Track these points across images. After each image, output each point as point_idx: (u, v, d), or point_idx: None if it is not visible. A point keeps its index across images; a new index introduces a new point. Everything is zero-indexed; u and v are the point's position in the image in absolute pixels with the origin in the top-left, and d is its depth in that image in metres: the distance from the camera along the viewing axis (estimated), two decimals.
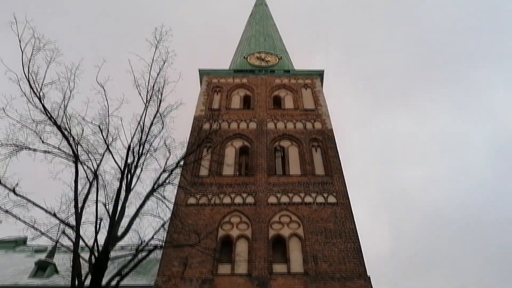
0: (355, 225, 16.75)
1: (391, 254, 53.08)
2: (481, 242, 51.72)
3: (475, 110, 63.01)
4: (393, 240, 56.04)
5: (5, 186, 7.25)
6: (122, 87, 9.90)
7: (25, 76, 8.35)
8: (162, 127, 9.38)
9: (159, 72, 9.56)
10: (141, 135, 8.99)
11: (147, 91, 9.45)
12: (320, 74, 27.02)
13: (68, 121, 8.43)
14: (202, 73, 27.03)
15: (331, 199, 17.96)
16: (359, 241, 16.11)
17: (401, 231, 56.97)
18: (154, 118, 9.25)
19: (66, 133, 8.32)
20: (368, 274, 14.87)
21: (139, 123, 9.07)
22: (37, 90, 8.28)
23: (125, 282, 11.48)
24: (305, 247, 16.02)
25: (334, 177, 19.01)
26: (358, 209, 17.50)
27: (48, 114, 8.23)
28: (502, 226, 51.39)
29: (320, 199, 17.96)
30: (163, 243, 8.78)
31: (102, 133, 8.62)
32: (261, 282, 14.77)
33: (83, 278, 6.65)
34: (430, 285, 49.14)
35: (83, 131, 8.62)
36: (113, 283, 6.83)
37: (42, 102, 8.30)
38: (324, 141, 21.19)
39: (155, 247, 7.75)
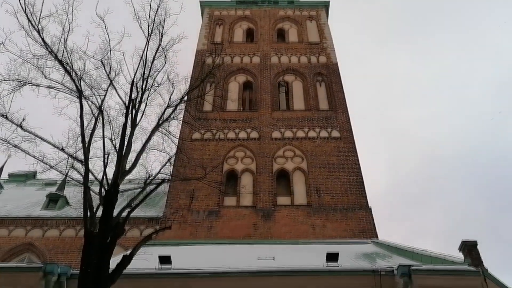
0: (358, 159, 17.00)
1: (388, 189, 54.39)
2: (475, 177, 52.80)
3: (478, 49, 61.32)
4: (390, 176, 57.18)
5: (12, 121, 7.29)
6: (123, 20, 9.60)
7: (22, 8, 8.10)
8: (165, 62, 9.22)
9: (160, 3, 9.22)
10: (144, 69, 8.87)
11: (148, 24, 9.18)
12: (325, 5, 26.04)
13: (69, 56, 8.29)
14: (204, 4, 26.10)
15: (335, 134, 18.07)
16: (361, 174, 16.44)
17: (398, 167, 57.95)
18: (156, 52, 9.06)
19: (68, 68, 8.21)
20: (369, 206, 15.34)
21: (141, 57, 8.90)
22: (35, 23, 8.07)
23: (135, 213, 11.89)
24: (309, 180, 16.38)
25: (338, 111, 18.99)
26: (357, 145, 17.59)
27: (48, 48, 8.08)
28: (496, 162, 52.15)
29: (323, 134, 18.08)
30: (170, 177, 8.98)
31: (104, 68, 8.50)
32: (265, 213, 15.29)
33: (94, 210, 6.87)
34: (425, 217, 50.85)
35: (85, 65, 8.50)
36: (124, 214, 7.05)
37: (41, 35, 8.11)
38: (329, 75, 20.90)
39: (163, 180, 7.92)
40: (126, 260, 6.21)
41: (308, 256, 10.56)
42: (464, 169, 54.68)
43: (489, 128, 55.10)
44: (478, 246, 7.73)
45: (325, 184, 16.14)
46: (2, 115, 7.27)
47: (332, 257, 8.81)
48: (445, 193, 52.05)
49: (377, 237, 14.15)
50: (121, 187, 7.61)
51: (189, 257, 10.42)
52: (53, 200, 18.32)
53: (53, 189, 19.36)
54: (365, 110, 56.94)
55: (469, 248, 7.69)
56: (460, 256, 7.87)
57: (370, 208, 15.25)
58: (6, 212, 17.56)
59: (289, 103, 19.94)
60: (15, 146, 7.30)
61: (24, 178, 22.67)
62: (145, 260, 8.14)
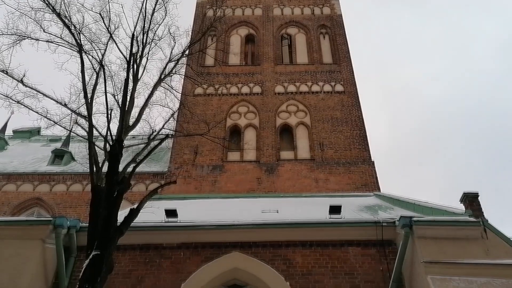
0: (361, 113, 16.95)
1: (389, 145, 54.56)
2: (476, 134, 52.80)
3: (482, 7, 59.32)
4: (392, 132, 57.19)
5: (12, 77, 7.23)
6: None
7: None
8: (165, 14, 8.99)
9: None
10: (144, 23, 8.67)
11: None
12: None
13: (67, 8, 8.09)
14: None
15: (338, 88, 17.91)
16: (364, 128, 16.44)
17: (400, 124, 57.85)
18: (156, 4, 8.83)
19: (66, 21, 8.04)
20: (372, 160, 15.45)
21: (141, 9, 8.68)
22: None
23: (140, 169, 12.02)
24: (312, 134, 16.41)
25: (342, 65, 18.72)
26: (360, 100, 17.47)
27: (46, 1, 7.88)
28: (496, 119, 51.98)
29: (327, 88, 17.92)
30: (174, 132, 9.01)
31: (103, 21, 8.31)
32: (269, 168, 15.44)
33: (100, 165, 6.95)
34: (426, 173, 51.31)
35: (84, 19, 8.31)
36: (129, 169, 7.13)
37: None
38: (333, 27, 20.43)
39: (166, 136, 7.95)
40: (134, 213, 6.36)
41: (311, 209, 10.76)
42: (465, 126, 54.63)
43: (491, 86, 54.52)
44: (479, 198, 7.85)
45: (328, 138, 16.18)
46: (2, 71, 7.21)
47: (335, 209, 8.97)
48: (447, 149, 52.28)
49: (379, 190, 14.35)
50: (126, 142, 7.65)
51: (195, 211, 10.64)
52: (59, 156, 18.52)
53: (58, 145, 19.53)
54: (368, 67, 56.18)
55: (470, 200, 7.80)
56: (461, 207, 8.00)
57: (373, 162, 15.37)
58: (13, 168, 17.82)
59: (292, 56, 19.63)
60: (18, 102, 7.29)
61: (29, 134, 22.81)
62: (152, 213, 8.33)
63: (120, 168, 6.95)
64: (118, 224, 6.25)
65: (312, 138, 16.27)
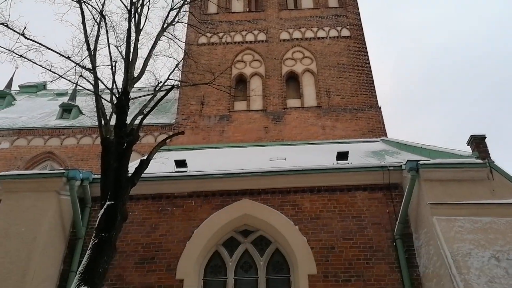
0: (368, 58, 16.65)
1: (394, 91, 53.87)
2: (478, 80, 51.79)
3: None
4: (396, 78, 56.26)
5: (13, 30, 7.13)
6: None
7: None
8: None
9: None
10: None
11: None
12: None
13: None
14: None
15: (345, 32, 17.50)
16: (371, 73, 16.22)
17: (405, 70, 56.75)
18: None
19: None
20: (379, 105, 15.36)
21: None
22: None
23: (148, 121, 12.10)
24: (318, 82, 16.25)
25: (348, 8, 18.18)
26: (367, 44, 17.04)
27: None
28: (500, 64, 50.75)
29: (333, 33, 17.52)
30: (179, 83, 8.98)
31: None
32: (276, 116, 15.45)
33: (108, 117, 7.00)
34: (432, 119, 50.98)
35: None
36: (137, 121, 7.18)
37: None
38: None
39: (172, 86, 7.92)
40: (144, 163, 6.47)
41: (318, 155, 10.88)
42: (470, 72, 53.51)
43: (499, 30, 52.78)
44: (486, 140, 7.86)
45: (335, 85, 16.03)
46: (3, 24, 7.10)
47: (342, 155, 9.07)
48: (452, 95, 51.59)
49: (386, 135, 14.38)
50: (132, 94, 7.66)
51: (204, 161, 10.81)
52: (67, 110, 18.63)
53: (65, 99, 19.60)
54: (371, 11, 54.37)
55: (477, 142, 7.82)
56: (468, 150, 8.05)
57: (380, 108, 15.29)
58: (22, 123, 18.01)
59: (297, 1, 19.04)
60: (21, 56, 7.24)
61: (35, 89, 22.83)
62: (162, 163, 8.50)
63: (128, 120, 7.01)
64: (129, 175, 6.39)
65: (319, 85, 16.13)
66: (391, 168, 8.18)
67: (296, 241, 7.76)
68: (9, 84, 22.31)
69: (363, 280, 7.35)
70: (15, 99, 21.48)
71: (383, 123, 14.85)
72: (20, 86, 23.19)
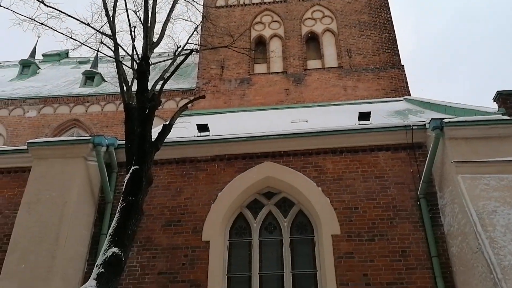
0: (390, 15, 16.11)
1: (415, 50, 52.14)
2: (505, 37, 49.44)
3: None
4: (418, 36, 54.27)
5: None
6: None
7: None
8: None
9: None
10: None
11: None
12: None
13: None
14: None
15: None
16: (394, 31, 15.73)
17: (426, 28, 54.58)
18: None
19: None
20: (402, 63, 14.98)
21: None
22: None
23: (169, 86, 12.14)
24: (339, 41, 15.89)
25: None
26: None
27: None
28: None
29: None
30: (199, 46, 8.91)
31: None
32: (296, 78, 15.28)
33: (129, 83, 7.05)
34: (453, 79, 49.40)
35: None
36: (158, 87, 7.21)
37: None
38: None
39: (191, 50, 7.87)
40: (167, 128, 6.53)
41: (340, 116, 10.79)
42: (497, 29, 51.11)
43: None
44: None
45: (356, 44, 15.64)
46: None
47: (364, 116, 8.96)
48: (478, 53, 49.66)
49: (409, 95, 14.08)
50: (152, 60, 7.65)
51: (225, 124, 10.87)
52: (89, 77, 18.88)
53: (87, 67, 19.82)
54: None
55: (504, 98, 7.56)
56: (494, 107, 7.82)
57: (403, 66, 14.91)
58: (47, 91, 18.37)
59: None
60: (42, 23, 7.28)
61: (58, 57, 23.11)
62: (184, 128, 8.57)
63: (149, 86, 7.04)
64: (153, 140, 6.48)
65: (339, 45, 15.77)
66: (414, 127, 8.05)
67: (319, 202, 7.82)
68: (33, 53, 22.59)
69: (386, 239, 7.41)
70: (39, 68, 21.81)
71: (406, 82, 14.51)
72: (43, 55, 23.50)
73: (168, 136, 6.70)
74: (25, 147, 8.43)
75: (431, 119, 7.56)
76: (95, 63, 19.42)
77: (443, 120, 7.33)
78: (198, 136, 8.93)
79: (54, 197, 7.69)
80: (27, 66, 21.43)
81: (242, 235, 8.06)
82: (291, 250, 7.80)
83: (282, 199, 8.26)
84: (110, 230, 5.45)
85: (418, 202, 7.59)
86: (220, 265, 7.58)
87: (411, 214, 7.56)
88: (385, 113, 10.64)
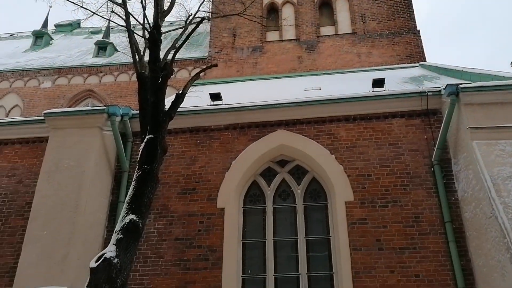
0: None
1: (430, 16, 50.56)
2: None
3: None
4: (433, 1, 52.52)
5: None
6: None
7: None
8: None
9: None
10: None
11: None
12: None
13: None
14: None
15: None
16: None
17: None
18: None
19: None
20: (417, 28, 14.62)
21: None
22: None
23: (181, 55, 12.11)
24: (353, 6, 15.53)
25: None
26: None
27: None
28: None
29: None
30: (210, 14, 8.81)
31: None
32: (309, 45, 15.07)
33: (142, 53, 7.04)
34: (469, 45, 47.98)
35: None
36: (170, 56, 7.19)
37: None
38: None
39: (203, 18, 7.79)
40: (179, 97, 6.54)
41: (354, 84, 10.68)
42: None
43: None
44: None
45: (371, 9, 15.26)
46: None
47: (378, 82, 8.85)
48: (494, 18, 48.01)
49: (425, 61, 13.81)
50: (164, 29, 7.60)
51: (238, 93, 10.85)
52: (102, 47, 18.90)
53: (99, 37, 19.79)
54: None
55: None
56: (511, 72, 7.67)
57: (418, 31, 14.56)
58: (61, 62, 18.48)
59: None
60: None
61: (70, 27, 23.09)
62: (198, 97, 8.58)
63: (162, 55, 7.02)
64: (166, 109, 6.52)
65: (353, 10, 15.41)
66: (429, 93, 7.94)
67: (333, 169, 7.86)
68: (45, 24, 22.58)
69: (400, 205, 7.46)
70: (52, 39, 21.86)
71: (422, 48, 14.20)
72: (55, 25, 23.49)
73: (181, 105, 6.73)
74: (42, 118, 8.58)
75: (447, 84, 7.44)
76: (107, 33, 19.37)
77: (459, 86, 7.21)
78: (211, 105, 8.96)
79: (72, 166, 7.86)
80: (40, 37, 21.48)
81: (256, 202, 8.18)
82: (305, 216, 7.92)
83: (296, 167, 8.32)
84: (127, 198, 5.58)
85: (432, 169, 7.58)
86: (235, 231, 7.74)
87: (425, 180, 7.57)
88: (399, 79, 10.49)
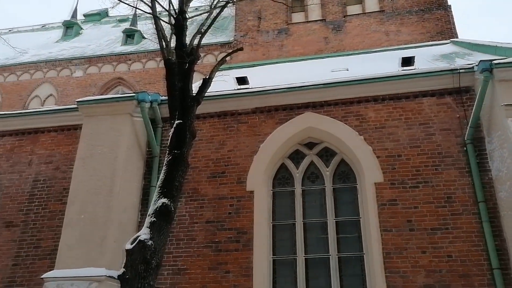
0: None
1: None
2: None
3: None
4: None
5: None
6: None
7: None
8: None
9: None
10: None
11: None
12: None
13: None
14: None
15: None
16: None
17: None
18: None
19: None
20: (448, 3, 14.12)
21: None
22: None
23: (207, 40, 12.12)
24: None
25: None
26: None
27: None
28: None
29: None
30: None
31: None
32: (336, 26, 14.82)
33: (168, 39, 7.12)
34: (505, 21, 45.88)
35: None
36: (196, 41, 7.24)
37: None
38: None
39: (227, 2, 7.79)
40: (206, 82, 6.61)
41: (382, 63, 10.48)
42: None
43: None
44: None
45: None
46: None
47: (407, 61, 8.66)
48: None
49: (456, 37, 13.35)
50: (189, 14, 7.65)
51: (264, 76, 10.83)
52: (130, 35, 19.18)
53: (127, 25, 20.06)
54: None
55: None
56: None
57: (450, 6, 14.05)
58: (91, 51, 18.89)
59: None
60: None
61: (99, 17, 23.48)
62: (224, 81, 8.63)
63: (188, 40, 7.09)
64: (194, 94, 6.60)
65: None
66: (461, 70, 7.72)
67: (361, 150, 7.81)
68: (74, 14, 23.04)
69: (431, 185, 7.35)
70: (82, 28, 22.31)
71: (454, 24, 13.71)
72: (84, 15, 23.94)
73: (208, 90, 6.81)
74: (75, 106, 8.85)
75: (480, 61, 7.22)
76: (134, 21, 19.62)
77: (493, 62, 6.98)
78: (237, 89, 9.00)
79: (105, 152, 8.11)
80: (70, 27, 21.96)
81: (285, 185, 8.23)
82: (334, 198, 7.92)
83: (324, 149, 8.30)
84: (159, 182, 5.73)
85: (464, 148, 7.42)
86: (265, 213, 7.83)
87: (457, 160, 7.42)
88: (430, 57, 10.22)
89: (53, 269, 7.38)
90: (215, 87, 8.03)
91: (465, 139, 7.41)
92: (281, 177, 8.32)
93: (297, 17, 15.50)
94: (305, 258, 7.54)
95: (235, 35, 15.72)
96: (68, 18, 22.48)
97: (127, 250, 5.10)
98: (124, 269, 5.03)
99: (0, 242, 8.37)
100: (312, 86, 8.37)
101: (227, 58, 8.32)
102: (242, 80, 9.24)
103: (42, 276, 7.28)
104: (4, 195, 8.79)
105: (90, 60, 18.11)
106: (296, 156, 8.36)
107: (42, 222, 8.41)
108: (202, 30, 7.43)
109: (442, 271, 6.79)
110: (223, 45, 16.80)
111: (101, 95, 16.54)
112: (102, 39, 20.19)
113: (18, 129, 9.34)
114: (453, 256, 6.85)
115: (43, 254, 8.09)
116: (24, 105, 17.71)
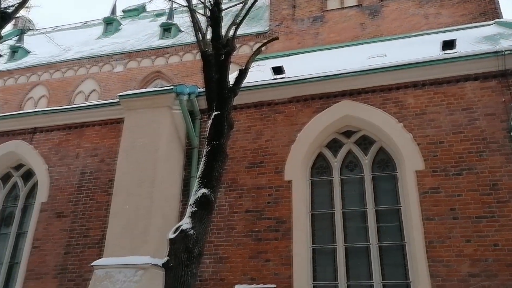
0: None
1: None
2: None
3: None
4: None
5: None
6: None
7: None
8: None
9: None
10: None
11: None
12: None
13: None
14: None
15: None
16: None
17: None
18: None
19: None
20: None
21: None
22: None
23: (242, 31, 12.19)
24: None
25: None
26: None
27: None
28: None
29: None
30: None
31: None
32: (372, 11, 14.49)
33: (204, 31, 7.21)
34: None
35: None
36: (231, 33, 7.29)
37: None
38: None
39: None
40: (243, 72, 6.66)
41: (422, 48, 10.17)
42: None
43: None
44: None
45: None
46: None
47: (448, 44, 8.38)
48: None
49: (501, 17, 12.75)
50: (224, 6, 7.70)
51: (300, 65, 10.78)
52: (167, 29, 19.52)
53: (163, 19, 20.41)
54: None
55: None
56: None
57: None
58: (130, 46, 19.39)
59: None
60: None
61: (137, 12, 24.04)
62: (260, 71, 8.67)
63: (223, 32, 7.15)
64: (231, 85, 6.68)
65: None
66: (506, 52, 7.39)
67: (401, 138, 7.66)
68: (114, 11, 23.67)
69: (475, 173, 7.13)
70: (121, 24, 22.92)
71: (498, 3, 13.07)
72: (123, 11, 24.58)
73: (244, 81, 6.86)
74: (117, 100, 9.16)
75: None
76: (171, 15, 19.93)
77: None
78: (273, 79, 9.01)
79: (146, 145, 8.37)
80: (110, 23, 22.59)
81: (323, 174, 8.20)
82: (373, 187, 7.83)
83: (362, 137, 8.20)
84: (199, 173, 5.86)
85: (510, 133, 7.14)
86: (303, 202, 7.85)
87: (503, 146, 7.15)
88: (472, 39, 9.83)
89: (101, 257, 7.74)
90: (251, 78, 8.09)
91: (511, 124, 7.12)
92: (319, 166, 8.29)
93: (332, 3, 15.26)
94: (345, 247, 7.52)
95: (270, 25, 15.68)
96: (108, 15, 23.12)
97: (170, 239, 5.27)
98: (167, 258, 5.21)
99: (52, 231, 8.83)
100: (349, 74, 8.27)
101: (263, 48, 8.35)
102: (278, 70, 9.25)
103: (91, 264, 7.65)
104: (54, 187, 9.25)
105: (130, 55, 18.59)
106: (334, 145, 8.30)
107: (90, 212, 8.80)
108: (237, 21, 7.47)
109: (488, 260, 6.60)
110: (258, 35, 16.79)
111: (140, 88, 16.98)
112: (140, 34, 20.65)
113: (65, 124, 9.79)
114: (499, 245, 6.64)
115: (92, 243, 8.48)
116: (69, 100, 18.45)
